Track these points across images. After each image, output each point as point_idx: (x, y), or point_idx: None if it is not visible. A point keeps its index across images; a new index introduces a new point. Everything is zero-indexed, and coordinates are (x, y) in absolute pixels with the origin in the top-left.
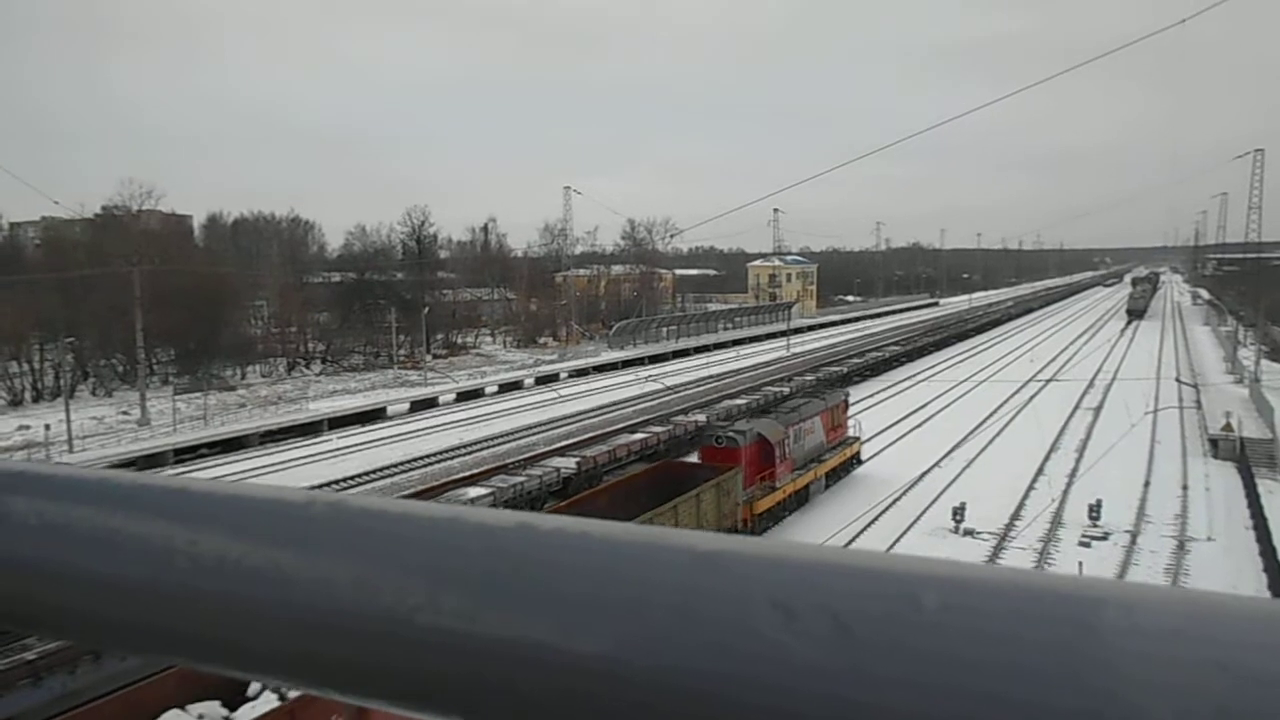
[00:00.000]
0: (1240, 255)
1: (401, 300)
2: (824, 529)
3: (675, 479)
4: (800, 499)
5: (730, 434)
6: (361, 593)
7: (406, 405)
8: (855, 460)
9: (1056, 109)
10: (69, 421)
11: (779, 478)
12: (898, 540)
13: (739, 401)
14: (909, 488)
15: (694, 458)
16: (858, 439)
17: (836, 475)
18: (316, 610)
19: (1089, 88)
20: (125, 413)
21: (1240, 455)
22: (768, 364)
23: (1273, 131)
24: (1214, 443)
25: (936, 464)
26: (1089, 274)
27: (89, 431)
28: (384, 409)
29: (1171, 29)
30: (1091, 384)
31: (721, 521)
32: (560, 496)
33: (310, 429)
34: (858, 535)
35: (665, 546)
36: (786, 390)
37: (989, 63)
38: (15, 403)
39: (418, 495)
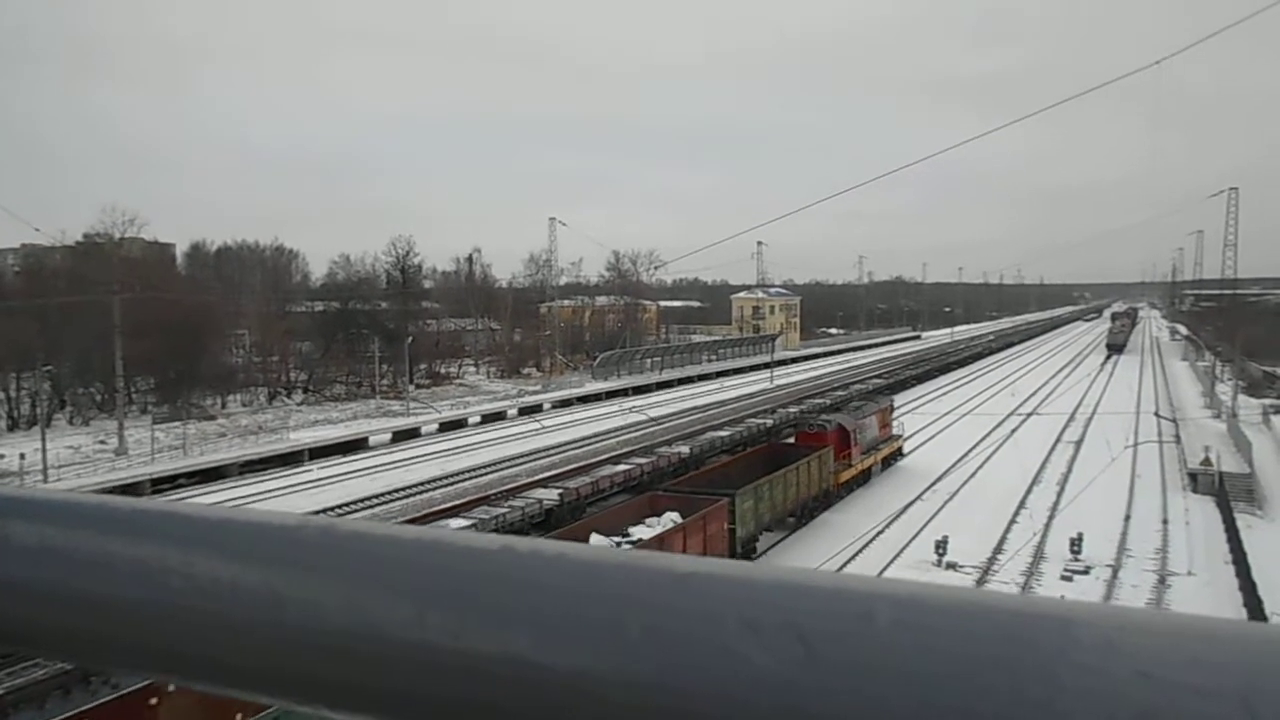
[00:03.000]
0: (1217, 291)
1: (385, 330)
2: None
3: (779, 456)
4: (865, 477)
5: (821, 422)
6: (350, 612)
7: (389, 435)
8: (899, 453)
9: (1038, 146)
10: (44, 450)
11: (854, 458)
12: (881, 573)
13: (723, 433)
14: (896, 517)
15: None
16: (901, 436)
17: (888, 463)
18: (308, 629)
19: (1070, 125)
20: (103, 442)
21: (1219, 489)
22: (751, 395)
23: (1248, 170)
24: (1193, 477)
25: (918, 497)
26: (1069, 309)
27: (65, 460)
28: (366, 439)
29: (1148, 69)
30: (1072, 418)
31: (820, 484)
32: (543, 529)
33: (291, 459)
34: (856, 555)
35: (642, 567)
36: (770, 422)
37: (974, 100)
38: None
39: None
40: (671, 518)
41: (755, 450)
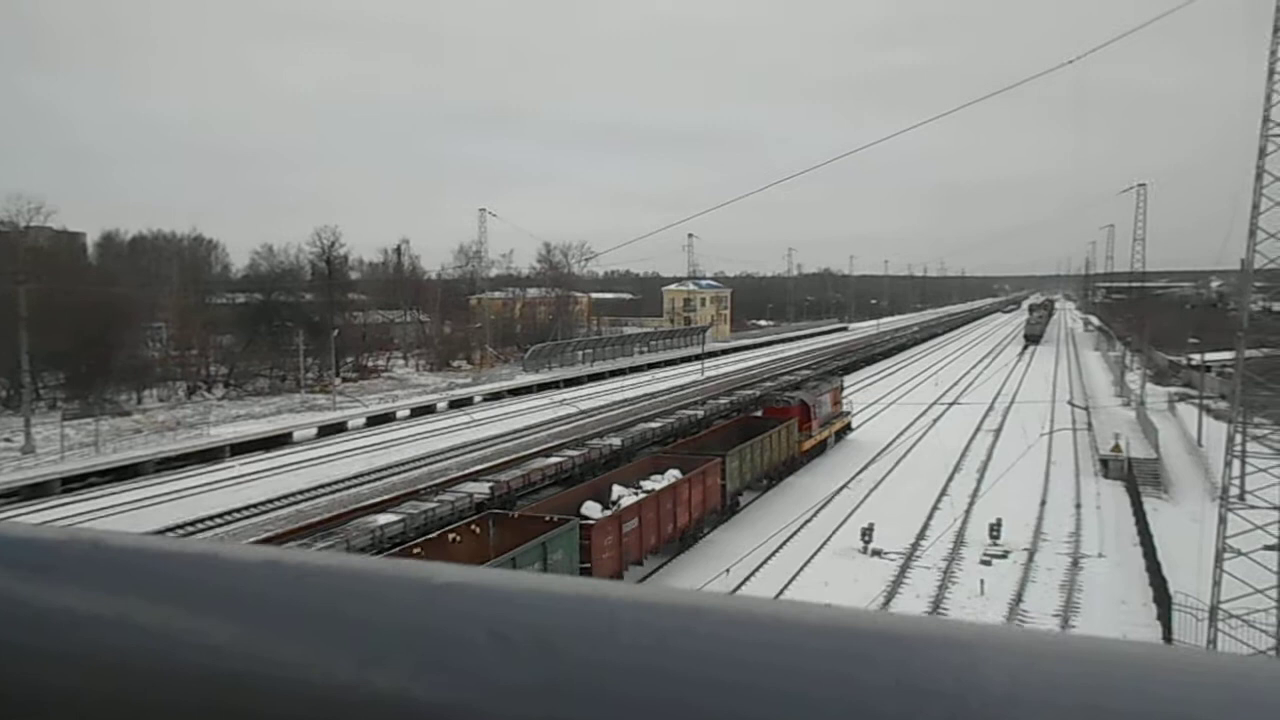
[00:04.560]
0: (1126, 284)
1: (310, 322)
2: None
3: (751, 427)
4: (822, 448)
5: (786, 398)
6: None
7: (314, 430)
8: (849, 427)
9: (958, 141)
10: None
11: (814, 429)
12: (809, 561)
13: (654, 425)
14: (823, 505)
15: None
16: (850, 413)
17: (839, 436)
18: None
19: (993, 122)
20: (8, 440)
21: (1128, 474)
22: (682, 387)
23: (1159, 167)
24: (1104, 463)
25: (845, 485)
26: (990, 300)
27: None
28: (290, 434)
29: (1064, 67)
30: (991, 407)
31: (788, 451)
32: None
33: (211, 455)
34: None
35: (402, 578)
36: (701, 414)
37: (901, 94)
38: None
39: (326, 523)
40: (673, 474)
41: (730, 422)
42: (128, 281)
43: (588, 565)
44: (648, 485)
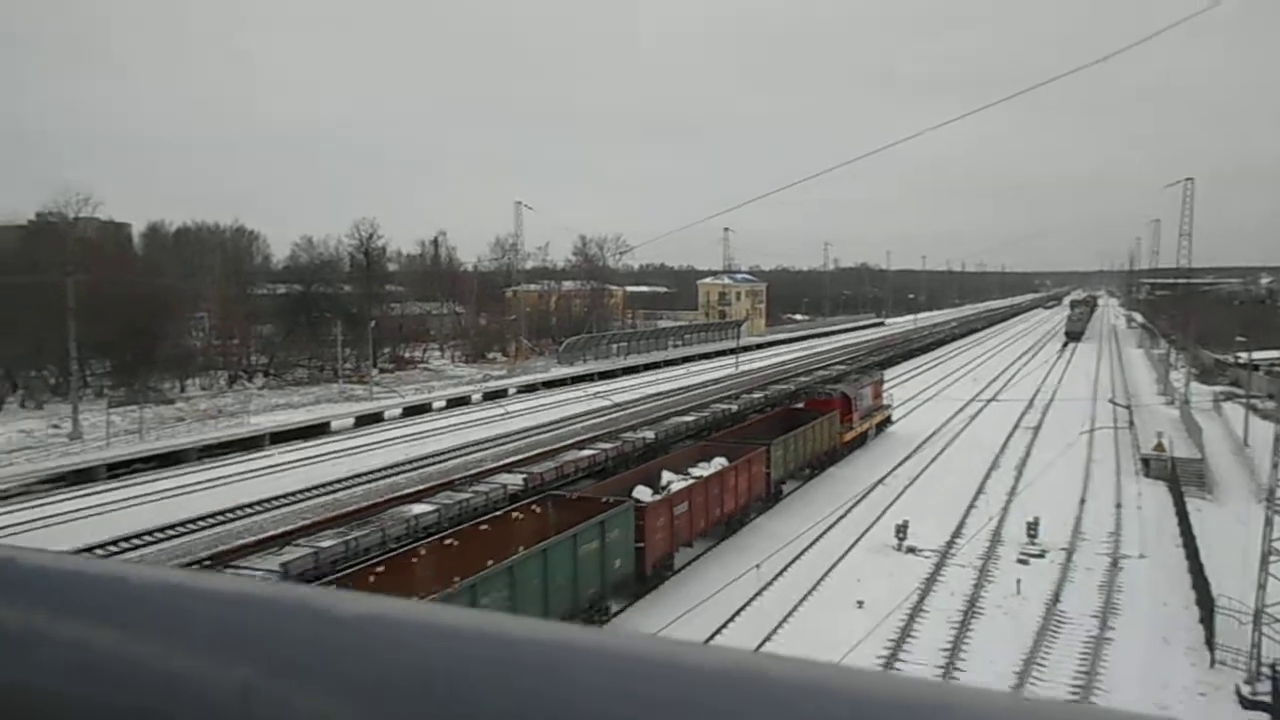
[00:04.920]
0: (1172, 280)
1: (348, 313)
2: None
3: (793, 418)
4: (862, 440)
5: (828, 390)
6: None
7: (351, 420)
8: (889, 420)
9: (1002, 136)
10: None
11: (854, 421)
12: (842, 557)
13: (688, 419)
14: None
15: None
16: (890, 406)
17: (880, 428)
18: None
19: (1030, 116)
20: (56, 426)
21: (1171, 474)
22: (716, 381)
23: (1206, 162)
24: (1146, 462)
25: (880, 481)
26: (1030, 296)
27: (16, 445)
28: (328, 424)
29: (1100, 63)
30: (1031, 404)
31: (829, 442)
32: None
33: (251, 444)
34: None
35: (304, 606)
36: (735, 408)
37: (942, 91)
38: None
39: (362, 511)
40: (719, 461)
41: (772, 414)
42: (172, 272)
43: (641, 544)
44: (695, 472)
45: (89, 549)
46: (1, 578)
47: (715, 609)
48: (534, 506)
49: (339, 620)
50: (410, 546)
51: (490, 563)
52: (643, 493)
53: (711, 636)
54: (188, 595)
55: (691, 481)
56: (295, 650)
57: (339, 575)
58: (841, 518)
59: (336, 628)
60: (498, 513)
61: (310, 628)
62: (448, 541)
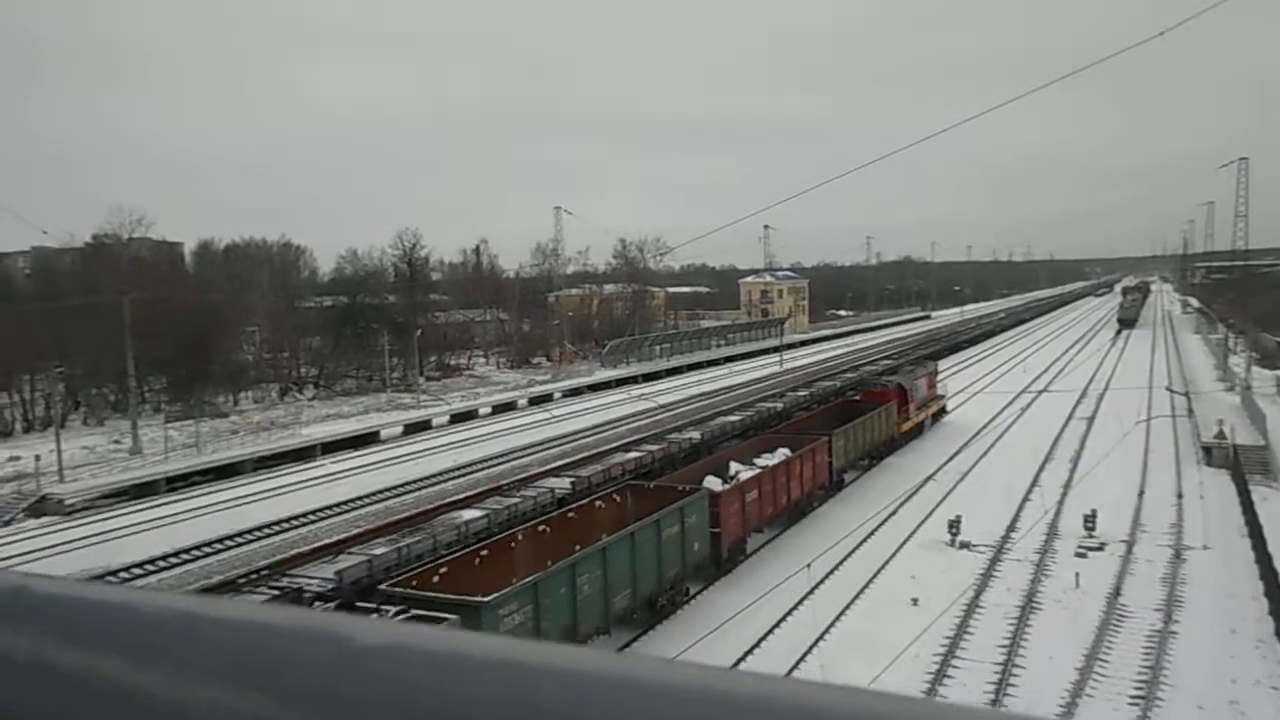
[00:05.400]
0: (1228, 263)
1: (394, 323)
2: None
3: (850, 410)
4: (919, 430)
5: (884, 382)
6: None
7: (400, 428)
8: (944, 410)
9: (1043, 120)
10: (59, 451)
11: (910, 412)
12: (893, 555)
13: (733, 418)
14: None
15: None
16: (945, 396)
17: (935, 418)
18: None
19: (1072, 98)
20: (117, 441)
21: (1234, 462)
22: (761, 380)
23: (1257, 139)
24: (1207, 450)
25: (930, 477)
26: (1080, 284)
27: (80, 461)
28: (377, 433)
29: (1151, 41)
30: (1084, 394)
31: (887, 432)
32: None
33: (303, 454)
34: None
35: (317, 635)
36: (780, 406)
37: (978, 79)
38: (5, 434)
39: (413, 519)
40: (783, 452)
41: (830, 406)
42: (223, 288)
43: (717, 529)
44: (760, 462)
45: (151, 560)
46: (12, 607)
47: (778, 599)
48: (615, 495)
49: (355, 649)
50: (510, 532)
51: (578, 547)
52: (713, 482)
53: (763, 637)
54: (197, 622)
55: (759, 471)
56: (307, 679)
57: (447, 559)
58: (893, 514)
59: (352, 656)
60: (582, 502)
61: (323, 656)
62: (541, 528)
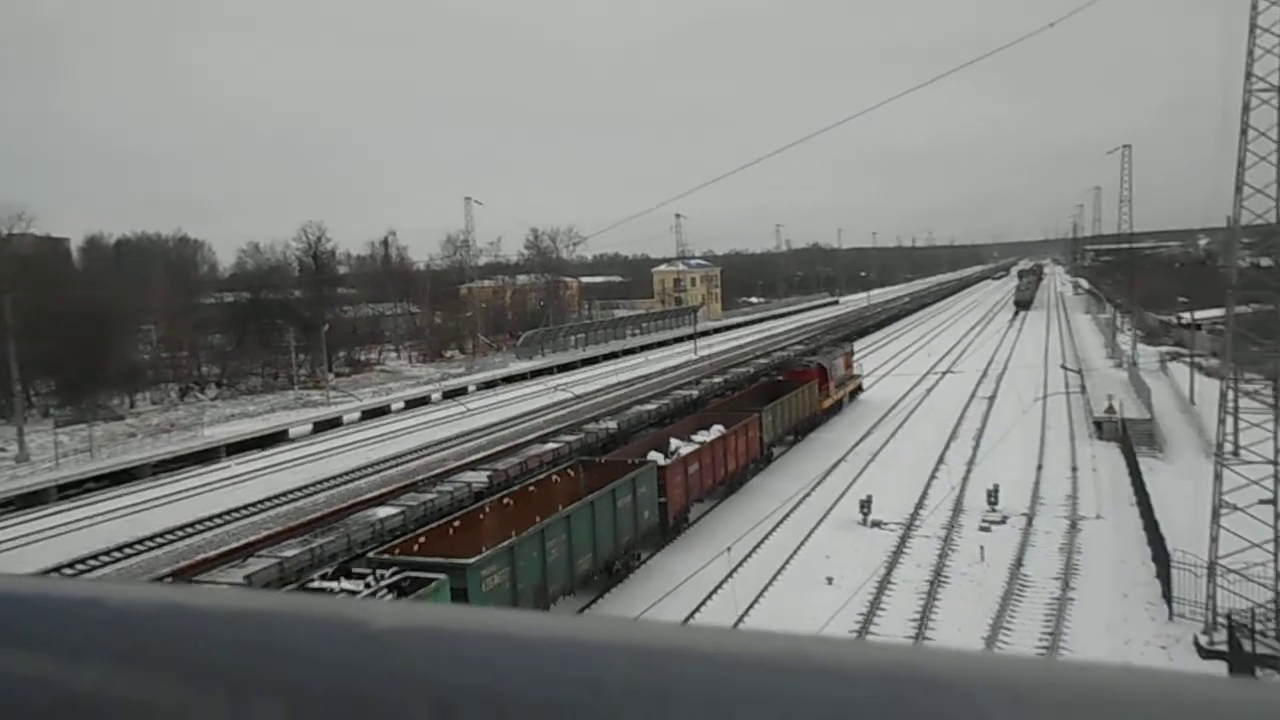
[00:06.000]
0: (1114, 246)
1: (300, 318)
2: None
3: (775, 389)
4: (838, 407)
5: (806, 362)
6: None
7: (309, 426)
8: (860, 389)
9: (938, 109)
10: None
11: (831, 390)
12: (808, 536)
13: (649, 407)
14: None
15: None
16: (861, 375)
17: (853, 396)
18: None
19: (966, 88)
20: (1, 449)
21: (1123, 436)
22: (676, 368)
23: (1141, 128)
24: (1099, 425)
25: (842, 458)
26: (979, 268)
27: None
28: (286, 431)
29: (1041, 32)
30: (985, 374)
31: (810, 409)
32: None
33: (207, 456)
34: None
35: (330, 622)
36: (695, 394)
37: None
38: None
39: (325, 519)
40: (717, 428)
41: (756, 386)
42: (114, 285)
43: (664, 500)
44: (698, 438)
45: (44, 573)
46: None
47: (716, 569)
48: (569, 470)
49: (372, 633)
50: (476, 506)
51: (538, 518)
52: (656, 457)
53: (687, 619)
54: (176, 615)
55: (698, 446)
56: (325, 670)
57: (424, 530)
58: (816, 486)
59: (372, 640)
60: (540, 476)
61: (339, 643)
62: (505, 500)
